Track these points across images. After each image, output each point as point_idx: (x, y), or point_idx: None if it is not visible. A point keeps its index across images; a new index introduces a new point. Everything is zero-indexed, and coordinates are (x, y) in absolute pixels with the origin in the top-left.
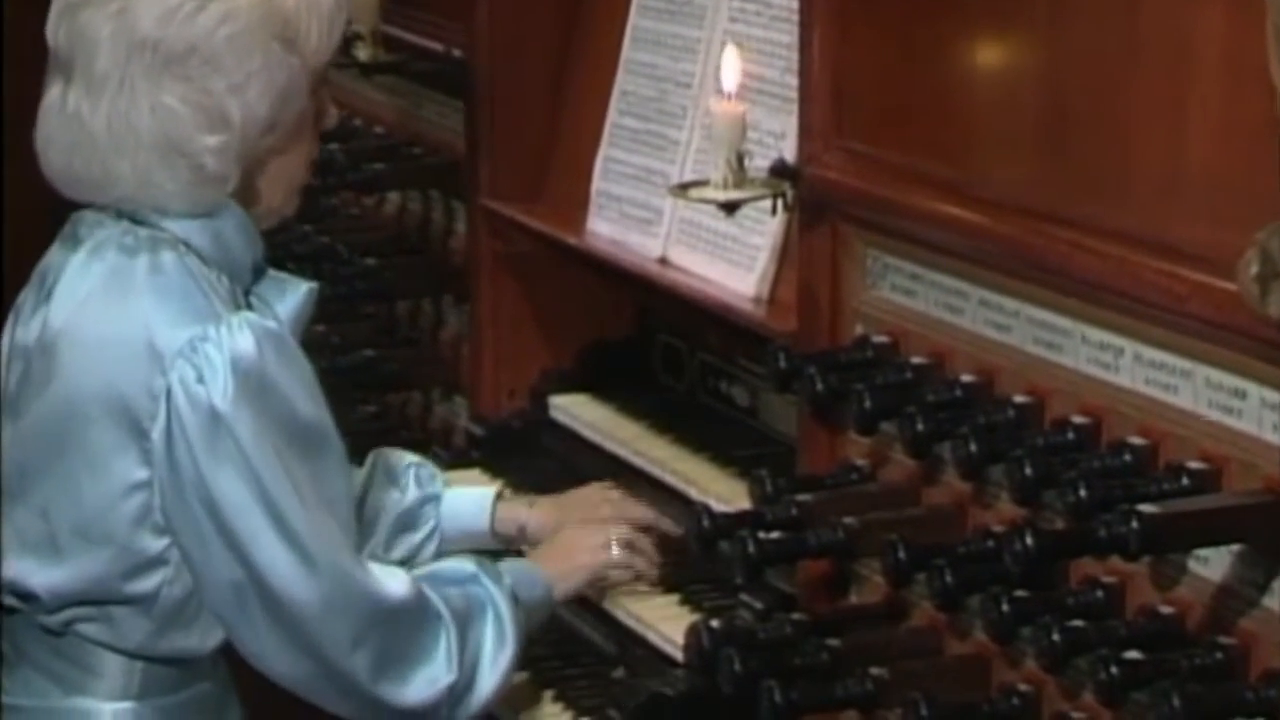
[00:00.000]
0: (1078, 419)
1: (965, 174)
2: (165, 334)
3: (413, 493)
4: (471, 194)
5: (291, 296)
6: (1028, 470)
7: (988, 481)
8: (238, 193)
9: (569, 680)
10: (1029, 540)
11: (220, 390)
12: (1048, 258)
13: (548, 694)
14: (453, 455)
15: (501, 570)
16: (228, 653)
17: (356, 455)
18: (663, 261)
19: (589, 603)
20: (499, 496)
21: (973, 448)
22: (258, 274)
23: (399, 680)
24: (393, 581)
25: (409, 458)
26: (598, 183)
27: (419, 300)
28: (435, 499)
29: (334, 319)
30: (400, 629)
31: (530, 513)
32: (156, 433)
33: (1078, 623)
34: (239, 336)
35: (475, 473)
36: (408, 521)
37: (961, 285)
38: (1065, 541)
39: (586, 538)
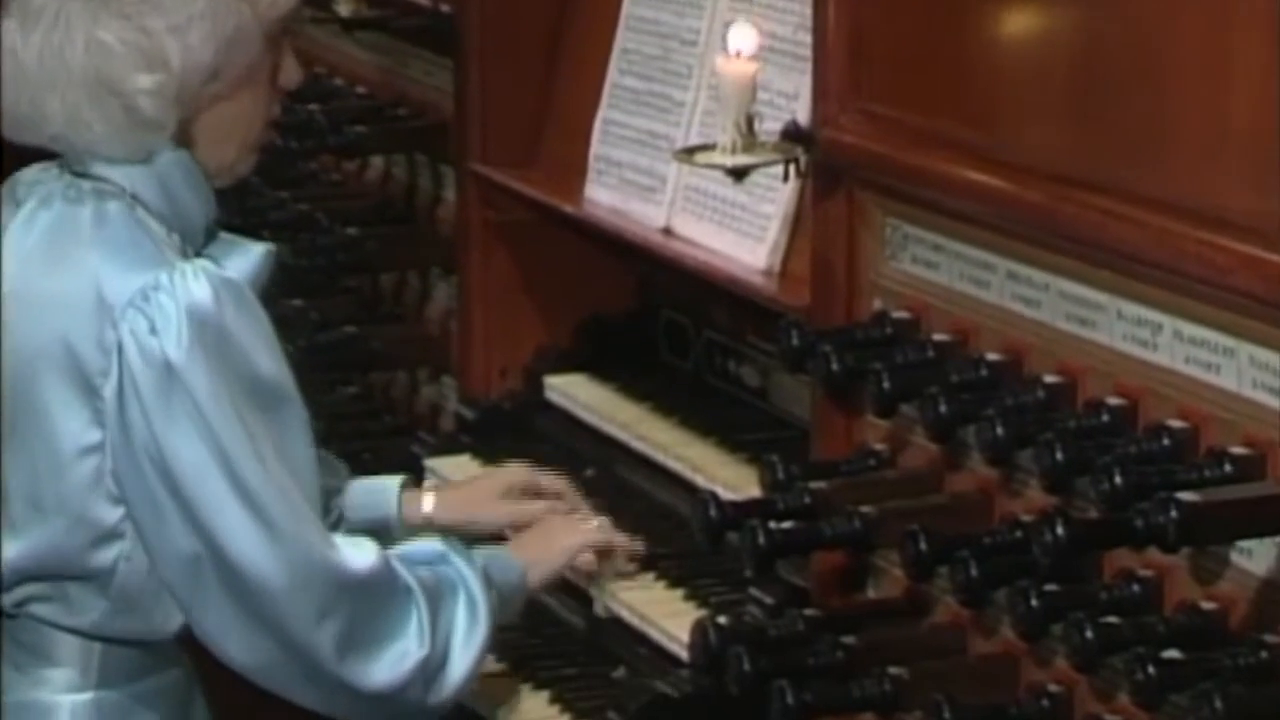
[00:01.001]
0: (1113, 400)
1: (992, 137)
2: (115, 284)
3: None
4: (460, 159)
5: (246, 259)
6: (1059, 455)
7: (1016, 467)
8: (177, 141)
9: (566, 681)
10: (1060, 530)
11: (174, 341)
12: (1081, 227)
13: (544, 695)
14: (440, 440)
15: (473, 553)
16: (191, 644)
17: (336, 440)
18: (666, 231)
19: (586, 598)
20: (404, 485)
21: (999, 431)
22: (210, 236)
23: (366, 657)
24: (360, 553)
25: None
26: (596, 147)
27: (404, 273)
28: (338, 491)
29: (312, 293)
30: (368, 602)
31: (434, 497)
32: (108, 390)
33: (1112, 619)
34: (194, 285)
35: (465, 459)
36: None
37: (988, 257)
38: (1099, 532)
39: (566, 528)
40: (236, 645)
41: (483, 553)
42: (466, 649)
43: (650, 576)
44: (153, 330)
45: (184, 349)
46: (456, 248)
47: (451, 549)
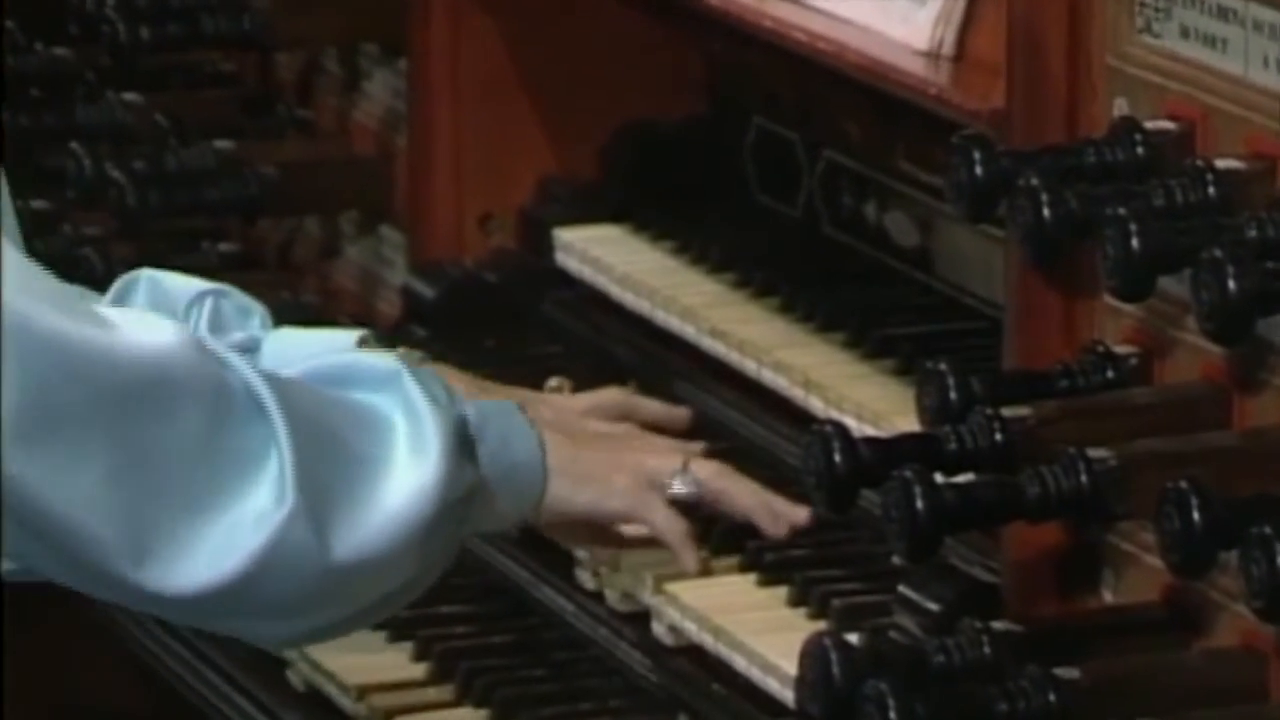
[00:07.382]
0: None
1: None
2: None
3: None
4: None
5: None
6: None
7: None
8: None
9: None
10: None
11: None
12: None
13: None
14: (378, 332)
15: (455, 391)
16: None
17: None
18: None
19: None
20: (364, 344)
21: None
22: None
23: (171, 535)
24: (148, 330)
25: (200, 285)
26: None
27: (315, 53)
28: (248, 351)
29: (158, 84)
30: (164, 418)
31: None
32: None
33: None
34: None
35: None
36: None
37: None
38: None
39: (646, 450)
40: None
41: (484, 404)
42: (414, 465)
43: (731, 563)
44: None
45: None
46: (405, 11)
47: (409, 372)
